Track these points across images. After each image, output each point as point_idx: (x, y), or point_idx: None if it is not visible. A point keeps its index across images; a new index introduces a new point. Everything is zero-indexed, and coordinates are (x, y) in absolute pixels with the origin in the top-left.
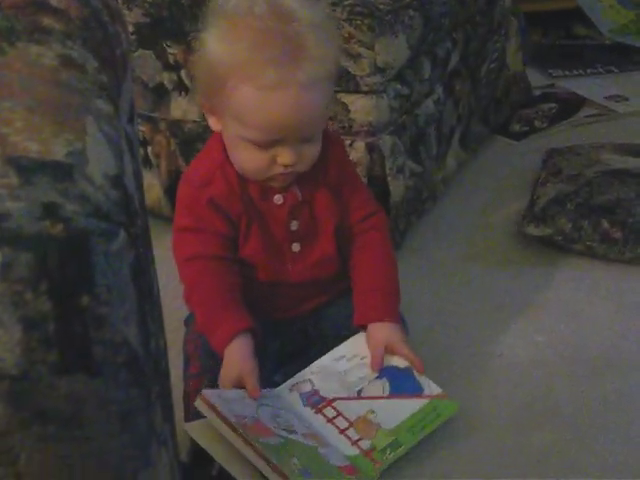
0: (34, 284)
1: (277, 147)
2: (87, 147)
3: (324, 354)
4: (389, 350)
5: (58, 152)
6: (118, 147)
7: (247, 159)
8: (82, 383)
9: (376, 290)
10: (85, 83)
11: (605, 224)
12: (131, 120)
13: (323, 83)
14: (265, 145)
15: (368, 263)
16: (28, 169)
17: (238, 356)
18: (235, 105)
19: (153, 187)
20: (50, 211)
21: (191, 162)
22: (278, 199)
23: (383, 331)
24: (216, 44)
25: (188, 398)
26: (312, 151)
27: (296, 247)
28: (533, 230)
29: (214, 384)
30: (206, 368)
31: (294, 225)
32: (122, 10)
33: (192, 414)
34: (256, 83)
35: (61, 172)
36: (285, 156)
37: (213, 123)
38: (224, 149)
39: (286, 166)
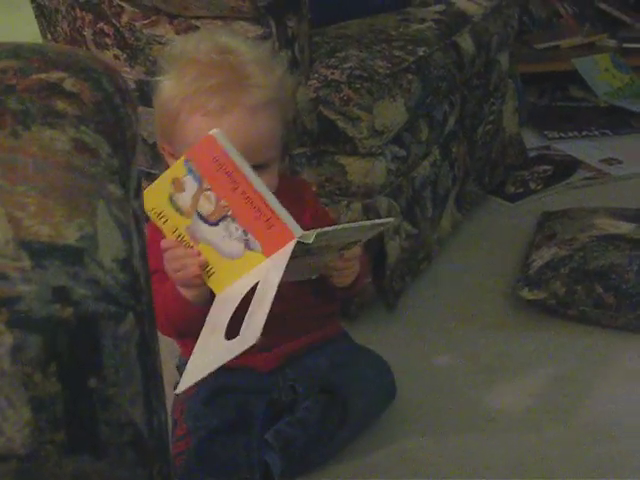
0: (43, 366)
1: None
2: (98, 231)
3: (313, 411)
4: None
5: (70, 236)
6: (127, 230)
7: None
8: (88, 463)
9: None
10: (97, 168)
11: (599, 289)
12: (137, 194)
13: (269, 108)
14: None
15: None
16: (40, 253)
17: None
18: (188, 137)
19: None
20: (60, 295)
21: None
22: None
23: None
24: (166, 83)
25: (175, 460)
26: (268, 180)
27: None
28: (527, 294)
29: (200, 445)
30: (191, 430)
31: None
32: (124, 68)
33: (179, 475)
34: (203, 111)
35: (72, 256)
36: None
37: None
38: None
39: None
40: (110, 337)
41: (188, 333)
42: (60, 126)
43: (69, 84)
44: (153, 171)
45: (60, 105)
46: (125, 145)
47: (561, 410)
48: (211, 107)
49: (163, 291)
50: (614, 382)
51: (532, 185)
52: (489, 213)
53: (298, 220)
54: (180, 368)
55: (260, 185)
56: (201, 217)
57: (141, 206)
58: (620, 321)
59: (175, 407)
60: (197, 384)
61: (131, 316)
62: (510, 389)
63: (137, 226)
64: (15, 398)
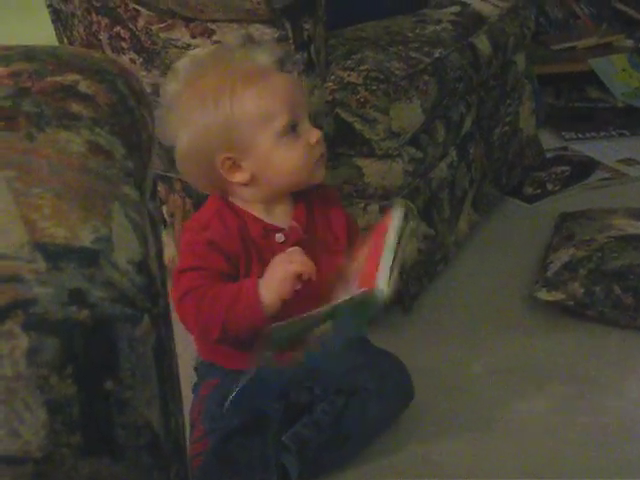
0: (59, 368)
1: (301, 127)
2: (113, 233)
3: (329, 413)
4: None
5: (85, 238)
6: (143, 232)
7: (291, 154)
8: (105, 466)
9: None
10: (112, 169)
11: (617, 290)
12: (153, 196)
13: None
14: (293, 123)
15: None
16: (56, 255)
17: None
18: (252, 112)
19: (167, 246)
20: (76, 297)
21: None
22: (279, 237)
23: None
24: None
25: (192, 461)
26: (320, 134)
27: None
28: (545, 295)
29: (217, 446)
30: (208, 431)
31: None
32: (140, 72)
33: (197, 477)
34: (252, 82)
35: (88, 258)
36: (312, 133)
37: (241, 175)
38: (221, 198)
39: (317, 143)
40: (126, 339)
41: (231, 341)
42: (75, 128)
43: (84, 86)
44: (169, 174)
45: (75, 107)
46: (140, 147)
47: (579, 411)
48: (255, 77)
49: (229, 293)
50: (633, 383)
51: (550, 186)
52: (506, 214)
53: (337, 225)
54: (198, 369)
55: (390, 248)
56: None
57: (157, 207)
58: (639, 321)
59: (193, 408)
60: (216, 386)
61: (147, 318)
62: (528, 390)
63: (153, 228)
64: (31, 401)
